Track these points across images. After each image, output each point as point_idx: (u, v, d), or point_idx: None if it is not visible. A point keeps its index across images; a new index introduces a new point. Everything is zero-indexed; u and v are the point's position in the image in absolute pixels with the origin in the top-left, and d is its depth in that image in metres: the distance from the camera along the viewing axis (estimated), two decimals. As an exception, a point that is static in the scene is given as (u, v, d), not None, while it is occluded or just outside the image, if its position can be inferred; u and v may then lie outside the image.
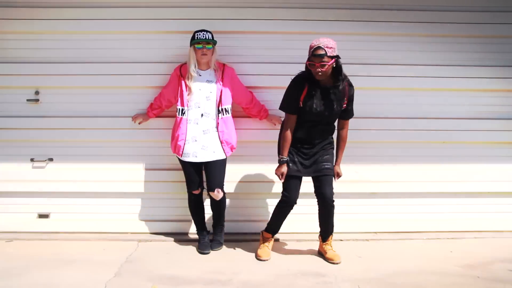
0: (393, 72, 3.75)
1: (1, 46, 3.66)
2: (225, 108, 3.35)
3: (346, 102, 3.16)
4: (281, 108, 3.20)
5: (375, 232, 3.78)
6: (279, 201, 3.25)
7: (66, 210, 3.74)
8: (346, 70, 3.67)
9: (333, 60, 2.97)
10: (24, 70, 3.66)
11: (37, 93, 3.68)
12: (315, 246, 3.44)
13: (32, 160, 3.71)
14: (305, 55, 3.35)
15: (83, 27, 3.64)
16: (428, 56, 3.77)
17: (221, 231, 3.52)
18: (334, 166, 3.26)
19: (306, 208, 3.52)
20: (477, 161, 3.83)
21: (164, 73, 3.58)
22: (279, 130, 3.33)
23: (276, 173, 3.21)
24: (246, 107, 3.56)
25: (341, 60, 3.02)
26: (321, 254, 3.36)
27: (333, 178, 3.23)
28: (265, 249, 3.31)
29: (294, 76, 3.14)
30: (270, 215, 3.37)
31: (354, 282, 2.86)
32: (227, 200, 3.59)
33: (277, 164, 3.21)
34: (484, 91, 3.80)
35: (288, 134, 3.15)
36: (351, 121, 3.70)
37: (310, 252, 3.38)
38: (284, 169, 3.15)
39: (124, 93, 3.69)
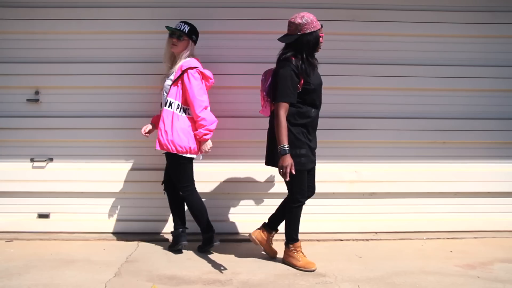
0: (393, 72, 3.75)
1: (1, 46, 3.66)
2: None
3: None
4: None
5: (375, 232, 3.78)
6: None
7: (66, 210, 3.74)
8: (346, 70, 3.71)
9: None
10: (24, 70, 3.66)
11: (37, 93, 3.68)
12: (315, 246, 3.45)
13: (32, 160, 3.71)
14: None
15: (83, 27, 3.64)
16: (428, 56, 3.77)
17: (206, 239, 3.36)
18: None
19: (306, 208, 3.52)
20: (477, 161, 3.83)
21: (165, 73, 3.58)
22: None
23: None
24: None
25: (341, 60, 2.98)
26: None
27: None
28: (306, 258, 3.10)
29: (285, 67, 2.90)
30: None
31: (354, 282, 2.86)
32: (228, 201, 3.60)
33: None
34: (484, 91, 3.80)
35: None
36: (351, 121, 3.72)
37: (309, 252, 3.38)
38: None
39: (124, 93, 3.69)
